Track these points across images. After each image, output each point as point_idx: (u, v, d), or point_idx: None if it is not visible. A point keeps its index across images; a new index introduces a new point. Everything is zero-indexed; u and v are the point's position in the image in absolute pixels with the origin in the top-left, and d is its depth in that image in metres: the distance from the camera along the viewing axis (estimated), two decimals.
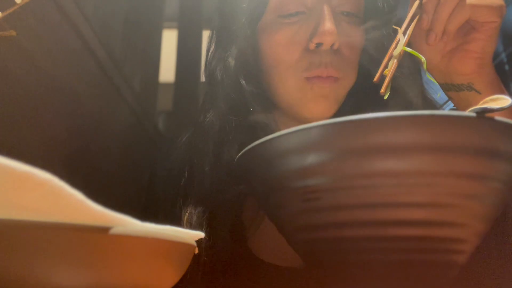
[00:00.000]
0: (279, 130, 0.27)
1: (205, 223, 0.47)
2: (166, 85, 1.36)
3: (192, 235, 0.26)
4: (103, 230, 0.19)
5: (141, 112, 0.95)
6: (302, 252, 0.30)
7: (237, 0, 0.48)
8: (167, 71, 1.35)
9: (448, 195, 0.24)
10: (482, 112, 0.23)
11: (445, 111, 0.23)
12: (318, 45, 0.44)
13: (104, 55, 0.73)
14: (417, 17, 0.39)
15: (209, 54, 0.53)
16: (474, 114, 0.23)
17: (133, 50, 1.02)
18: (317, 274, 0.30)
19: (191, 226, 0.46)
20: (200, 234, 0.27)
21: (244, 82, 0.47)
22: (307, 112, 0.47)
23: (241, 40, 0.48)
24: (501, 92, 0.42)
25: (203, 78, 0.55)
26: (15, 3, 0.32)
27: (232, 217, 0.48)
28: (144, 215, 0.25)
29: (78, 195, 0.19)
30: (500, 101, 0.24)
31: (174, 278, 0.24)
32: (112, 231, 0.19)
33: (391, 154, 0.23)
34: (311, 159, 0.24)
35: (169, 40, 1.33)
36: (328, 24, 0.43)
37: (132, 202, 0.83)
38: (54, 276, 0.19)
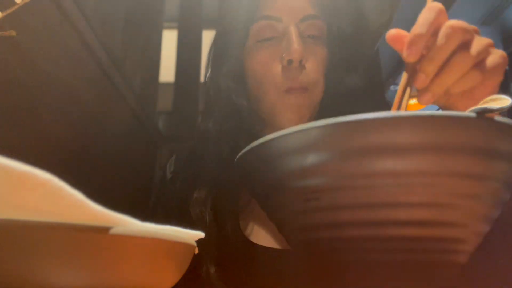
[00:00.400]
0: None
1: (209, 207, 0.56)
2: (166, 85, 1.36)
3: (192, 235, 0.26)
4: (103, 230, 0.19)
5: (141, 112, 0.95)
6: (302, 252, 0.30)
7: (225, 29, 0.60)
8: (167, 71, 1.35)
9: (448, 195, 0.24)
10: (482, 112, 0.23)
11: (446, 112, 0.23)
12: (289, 61, 0.53)
13: (104, 55, 0.73)
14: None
15: (206, 76, 0.65)
16: (474, 114, 0.23)
17: (133, 50, 1.02)
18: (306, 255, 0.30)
19: (197, 212, 0.55)
20: (200, 234, 0.27)
21: (234, 96, 0.58)
22: (285, 119, 0.55)
23: (230, 62, 0.59)
24: None
25: (203, 78, 0.66)
26: (15, 3, 0.32)
27: (231, 204, 0.57)
28: (144, 215, 0.25)
29: (78, 195, 0.19)
30: (500, 101, 0.24)
31: (174, 278, 0.24)
32: (112, 231, 0.19)
33: (391, 154, 0.23)
34: (311, 159, 0.24)
35: (169, 40, 1.33)
36: (295, 44, 0.52)
37: (132, 202, 0.83)
38: (54, 276, 0.18)
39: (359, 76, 0.61)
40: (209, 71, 0.65)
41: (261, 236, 0.55)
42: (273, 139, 0.25)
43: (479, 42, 0.33)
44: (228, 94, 0.58)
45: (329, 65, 0.57)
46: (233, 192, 0.57)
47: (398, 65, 2.76)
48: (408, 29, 0.36)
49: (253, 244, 0.54)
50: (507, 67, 0.36)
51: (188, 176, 0.61)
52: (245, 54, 0.59)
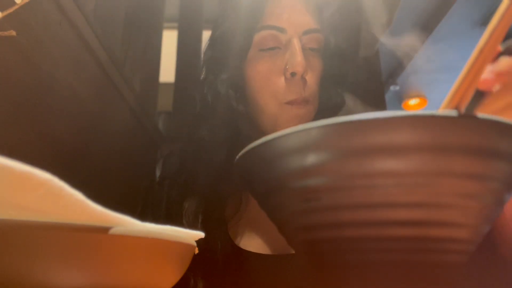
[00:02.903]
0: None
1: (200, 217, 0.56)
2: (166, 85, 1.36)
3: (192, 235, 0.26)
4: (103, 230, 0.19)
5: (141, 112, 0.95)
6: (302, 252, 0.30)
7: (227, 34, 0.59)
8: (167, 71, 1.35)
9: (448, 195, 0.24)
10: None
11: (446, 111, 0.23)
12: (293, 74, 0.54)
13: (104, 55, 0.73)
14: None
15: (201, 79, 0.64)
16: (474, 115, 0.23)
17: (133, 50, 1.02)
18: (298, 260, 0.30)
19: (188, 221, 0.56)
20: (200, 234, 0.27)
21: (234, 103, 0.58)
22: None
23: (231, 69, 0.58)
24: None
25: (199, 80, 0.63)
26: (15, 3, 0.32)
27: (219, 212, 0.58)
28: (143, 215, 0.25)
29: (78, 195, 0.19)
30: None
31: (174, 278, 0.24)
32: (112, 231, 0.19)
33: (391, 154, 0.23)
34: (311, 159, 0.24)
35: (169, 40, 1.33)
36: (299, 57, 0.53)
37: (132, 202, 0.83)
38: (54, 276, 0.18)
39: (352, 85, 0.62)
40: (205, 75, 0.64)
41: (251, 242, 0.56)
42: (273, 139, 0.25)
43: None
44: (228, 101, 0.58)
45: (323, 77, 0.59)
46: (222, 202, 0.58)
47: (398, 65, 2.76)
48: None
49: (243, 251, 0.54)
50: None
51: (178, 183, 0.61)
52: (246, 62, 0.58)
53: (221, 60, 0.60)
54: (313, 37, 0.57)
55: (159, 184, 0.64)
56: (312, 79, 0.56)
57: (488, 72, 0.32)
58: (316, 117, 0.59)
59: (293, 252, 0.33)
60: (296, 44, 0.54)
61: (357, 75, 0.64)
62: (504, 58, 0.32)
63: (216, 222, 0.56)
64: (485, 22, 2.35)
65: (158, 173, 0.68)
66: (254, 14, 0.56)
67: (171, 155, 0.68)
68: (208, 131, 0.60)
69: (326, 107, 0.60)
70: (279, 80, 0.56)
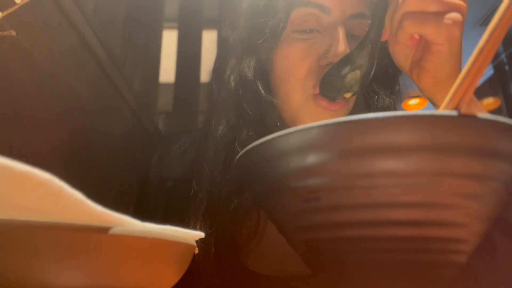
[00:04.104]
0: None
1: (212, 236, 0.48)
2: (166, 85, 1.36)
3: (192, 235, 0.26)
4: (103, 230, 0.19)
5: (141, 112, 0.95)
6: (302, 252, 0.30)
7: (257, 9, 0.49)
8: (167, 71, 1.35)
9: (448, 195, 0.24)
10: None
11: (446, 111, 0.23)
12: (330, 63, 0.46)
13: (104, 55, 0.73)
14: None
15: (218, 61, 0.54)
16: (474, 114, 0.23)
17: (133, 50, 1.02)
18: (312, 282, 0.30)
19: (201, 241, 0.47)
20: (200, 234, 0.27)
21: (263, 91, 0.48)
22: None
23: (262, 52, 0.49)
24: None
25: (203, 78, 0.57)
26: (15, 3, 0.32)
27: (233, 230, 0.50)
28: (143, 215, 0.25)
29: (78, 195, 0.19)
30: None
31: (174, 278, 0.24)
32: (112, 231, 0.19)
33: (391, 154, 0.23)
34: (311, 159, 0.24)
35: (169, 40, 1.33)
36: (343, 46, 0.45)
37: (132, 202, 0.82)
38: (54, 276, 0.18)
39: (393, 82, 0.57)
40: (223, 59, 0.54)
41: (264, 264, 0.50)
42: (273, 139, 0.25)
43: None
44: (256, 89, 0.49)
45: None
46: (237, 222, 0.49)
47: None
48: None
49: (254, 274, 0.49)
50: (506, 67, 0.37)
51: (179, 183, 0.53)
52: (277, 44, 0.49)
53: (247, 40, 0.50)
54: (359, 23, 0.48)
55: (158, 185, 0.57)
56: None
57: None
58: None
59: (307, 273, 0.31)
60: (341, 30, 0.46)
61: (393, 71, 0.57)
62: None
63: (226, 249, 0.48)
64: (485, 22, 2.35)
65: (153, 171, 0.57)
66: None
67: (171, 152, 0.59)
68: (228, 128, 0.50)
69: (365, 104, 0.52)
70: (311, 68, 0.47)
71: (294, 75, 0.48)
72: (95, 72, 0.71)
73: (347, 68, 0.44)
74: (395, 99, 0.56)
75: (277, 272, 0.50)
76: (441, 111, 0.23)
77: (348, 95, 0.45)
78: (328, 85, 0.46)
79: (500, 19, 0.22)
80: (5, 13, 0.32)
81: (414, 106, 3.20)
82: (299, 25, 0.48)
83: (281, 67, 0.49)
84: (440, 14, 0.37)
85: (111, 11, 0.87)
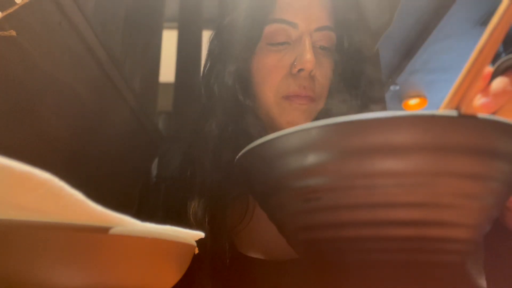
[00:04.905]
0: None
1: (206, 219, 0.54)
2: (166, 85, 1.36)
3: (192, 235, 0.26)
4: (103, 230, 0.19)
5: (141, 112, 0.95)
6: (302, 252, 0.30)
7: (236, 25, 0.57)
8: (167, 71, 1.35)
9: (448, 195, 0.24)
10: None
11: (446, 111, 0.23)
12: (300, 70, 0.53)
13: (104, 55, 0.73)
14: None
15: (206, 69, 0.62)
16: (474, 114, 0.23)
17: (133, 50, 1.02)
18: (304, 266, 0.30)
19: (196, 221, 0.53)
20: (200, 234, 0.27)
21: (241, 97, 0.56)
22: (285, 124, 0.55)
23: (239, 61, 0.56)
24: None
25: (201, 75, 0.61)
26: (15, 3, 0.32)
27: (224, 216, 0.55)
28: (138, 214, 0.25)
29: (78, 195, 0.19)
30: None
31: (174, 278, 0.24)
32: (112, 231, 0.19)
33: (391, 154, 0.23)
34: (311, 159, 0.24)
35: (169, 40, 1.33)
36: (309, 55, 0.52)
37: (132, 201, 0.82)
38: (54, 276, 0.19)
39: (361, 86, 0.60)
40: (212, 65, 0.61)
41: (256, 248, 0.54)
42: (273, 139, 0.25)
43: None
44: (235, 93, 0.56)
45: (333, 77, 0.57)
46: (227, 204, 0.55)
47: (398, 65, 2.76)
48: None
49: (248, 258, 0.53)
50: None
51: (179, 182, 0.59)
52: (254, 55, 0.57)
53: (229, 51, 0.58)
54: (325, 35, 0.55)
55: (156, 184, 0.63)
56: (320, 78, 0.55)
57: (484, 96, 0.31)
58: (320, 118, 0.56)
59: (297, 257, 0.32)
60: (307, 40, 0.53)
61: (360, 76, 0.62)
62: (497, 79, 0.32)
63: (220, 227, 0.54)
64: (485, 22, 2.35)
65: (154, 172, 0.65)
66: (266, 5, 0.54)
67: (170, 153, 0.66)
68: (215, 125, 0.57)
69: (335, 110, 0.58)
70: (282, 75, 0.54)
71: (269, 82, 0.55)
72: (95, 72, 0.71)
73: None
74: (360, 103, 0.60)
75: (269, 255, 0.53)
76: (441, 111, 0.23)
77: None
78: None
79: (500, 19, 0.22)
80: (5, 13, 0.31)
81: (414, 106, 3.20)
82: (272, 39, 0.55)
83: (257, 74, 0.56)
84: None
85: (111, 11, 0.87)
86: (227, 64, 0.57)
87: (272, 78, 0.55)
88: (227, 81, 0.57)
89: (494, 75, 0.33)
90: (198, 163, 0.57)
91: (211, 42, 0.62)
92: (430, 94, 3.15)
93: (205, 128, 0.58)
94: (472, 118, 0.23)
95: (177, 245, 0.23)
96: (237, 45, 0.56)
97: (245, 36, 0.55)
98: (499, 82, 0.32)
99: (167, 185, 0.61)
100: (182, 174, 0.59)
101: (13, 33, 0.34)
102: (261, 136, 0.26)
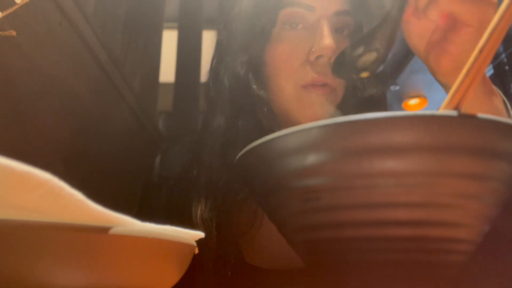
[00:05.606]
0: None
1: (214, 221, 0.50)
2: (166, 85, 1.36)
3: (192, 235, 0.26)
4: (103, 230, 0.19)
5: (141, 112, 0.95)
6: (302, 252, 0.30)
7: (248, 12, 0.53)
8: (167, 71, 1.35)
9: (448, 195, 0.24)
10: None
11: (446, 111, 0.23)
12: (318, 57, 0.49)
13: (104, 55, 0.73)
14: None
15: (214, 61, 0.58)
16: (474, 114, 0.23)
17: (133, 50, 1.02)
18: (309, 275, 0.30)
19: (203, 226, 0.50)
20: (200, 234, 0.27)
21: (255, 87, 0.52)
22: (303, 118, 0.51)
23: (252, 50, 0.52)
24: (486, 104, 0.40)
25: (203, 79, 0.59)
26: (15, 3, 0.32)
27: (231, 220, 0.51)
28: (145, 215, 0.25)
29: (78, 195, 0.19)
30: None
31: (174, 278, 0.24)
32: (112, 231, 0.19)
33: (391, 154, 0.23)
34: (311, 159, 0.24)
35: (169, 40, 1.33)
36: (328, 40, 0.48)
37: (132, 202, 0.82)
38: (54, 276, 0.19)
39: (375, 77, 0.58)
40: (219, 59, 0.58)
41: (262, 256, 0.51)
42: (273, 139, 0.25)
43: None
44: (247, 85, 0.52)
45: None
46: (237, 208, 0.51)
47: (398, 65, 2.76)
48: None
49: (253, 267, 0.51)
50: (506, 67, 0.36)
51: (183, 183, 0.55)
52: (267, 43, 0.53)
53: (240, 41, 0.54)
54: (343, 20, 0.52)
55: (158, 184, 0.58)
56: None
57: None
58: (343, 111, 0.53)
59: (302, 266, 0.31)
60: (325, 25, 0.49)
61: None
62: None
63: (227, 234, 0.50)
64: None
65: (155, 171, 0.59)
66: None
67: (171, 152, 0.61)
68: (224, 120, 0.53)
69: (353, 98, 0.55)
70: (299, 62, 0.50)
71: (284, 70, 0.51)
72: (95, 72, 0.71)
73: (361, 49, 0.44)
74: (383, 89, 0.58)
75: (275, 264, 0.50)
76: (441, 111, 0.23)
77: (365, 74, 0.46)
78: (340, 65, 0.47)
79: (500, 19, 0.22)
80: (5, 13, 0.31)
81: (414, 106, 3.20)
82: (287, 24, 0.51)
83: (271, 63, 0.52)
84: None
85: (111, 11, 0.87)
86: (238, 54, 0.54)
87: (287, 67, 0.51)
88: (238, 71, 0.53)
89: None
90: (204, 163, 0.54)
91: (219, 34, 0.59)
92: (430, 94, 3.15)
93: (213, 124, 0.54)
94: (472, 118, 0.23)
95: (177, 245, 0.23)
96: (250, 33, 0.52)
97: (259, 22, 0.51)
98: None
99: (169, 185, 0.57)
100: (186, 174, 0.56)
101: (13, 33, 0.34)
102: (274, 132, 0.25)
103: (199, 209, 0.51)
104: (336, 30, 0.52)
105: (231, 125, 0.53)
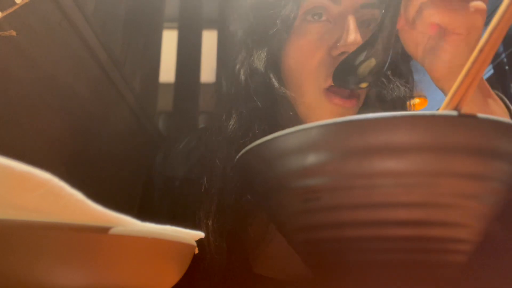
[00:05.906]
0: None
1: (225, 232, 0.47)
2: (166, 85, 1.36)
3: (192, 235, 0.26)
4: (103, 230, 0.19)
5: (141, 112, 0.95)
6: (302, 252, 0.30)
7: (267, 5, 0.49)
8: (167, 71, 1.35)
9: (448, 195, 0.24)
10: None
11: (446, 111, 0.23)
12: (342, 53, 0.46)
13: (104, 55, 0.73)
14: None
15: (228, 58, 0.54)
16: (474, 114, 0.23)
17: (133, 50, 1.02)
18: (317, 285, 0.30)
19: (214, 232, 0.47)
20: (200, 234, 0.27)
21: (276, 83, 0.48)
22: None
23: (273, 44, 0.49)
24: (482, 108, 0.40)
25: (203, 78, 0.56)
26: (15, 3, 0.32)
27: (245, 236, 0.49)
28: (147, 215, 0.25)
29: (78, 195, 0.19)
30: None
31: (174, 278, 0.24)
32: (112, 231, 0.19)
33: (391, 154, 0.23)
34: (311, 159, 0.24)
35: (169, 40, 1.33)
36: (354, 35, 0.45)
37: (132, 202, 0.82)
38: (54, 276, 0.19)
39: (403, 74, 0.55)
40: (233, 54, 0.53)
41: (267, 266, 0.49)
42: (273, 139, 0.25)
43: None
44: (266, 81, 0.48)
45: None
46: (249, 221, 0.48)
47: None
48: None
49: (261, 277, 0.49)
50: (506, 67, 0.37)
51: (190, 186, 0.52)
52: (288, 36, 0.49)
53: (257, 34, 0.50)
54: (370, 13, 0.48)
55: (161, 183, 0.56)
56: None
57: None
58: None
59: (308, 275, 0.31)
60: (352, 19, 0.46)
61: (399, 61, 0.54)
62: None
63: (238, 248, 0.48)
64: (485, 22, 2.34)
65: (157, 170, 0.56)
66: None
67: (173, 153, 0.58)
68: (240, 121, 0.49)
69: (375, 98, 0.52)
70: (323, 59, 0.47)
71: (306, 67, 0.48)
72: (95, 72, 0.71)
73: (362, 56, 0.43)
74: (411, 89, 0.55)
75: (282, 274, 0.49)
76: (441, 111, 0.23)
77: (364, 85, 0.45)
78: (342, 74, 0.45)
79: (500, 19, 0.22)
80: (5, 13, 0.31)
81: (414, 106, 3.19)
82: (309, 16, 0.48)
83: (292, 58, 0.49)
84: (463, 1, 0.36)
85: (111, 11, 0.87)
86: (256, 48, 0.50)
87: (309, 62, 0.47)
88: (257, 66, 0.49)
89: None
90: (216, 167, 0.49)
91: (233, 25, 0.55)
92: (430, 94, 3.15)
93: (228, 125, 0.50)
94: (472, 118, 0.23)
95: (177, 245, 0.23)
96: (269, 24, 0.48)
97: (279, 14, 0.47)
98: None
99: (174, 185, 0.55)
100: (191, 175, 0.53)
101: (13, 33, 0.34)
102: None
103: (209, 222, 0.48)
104: (362, 24, 0.48)
105: (246, 127, 0.49)
